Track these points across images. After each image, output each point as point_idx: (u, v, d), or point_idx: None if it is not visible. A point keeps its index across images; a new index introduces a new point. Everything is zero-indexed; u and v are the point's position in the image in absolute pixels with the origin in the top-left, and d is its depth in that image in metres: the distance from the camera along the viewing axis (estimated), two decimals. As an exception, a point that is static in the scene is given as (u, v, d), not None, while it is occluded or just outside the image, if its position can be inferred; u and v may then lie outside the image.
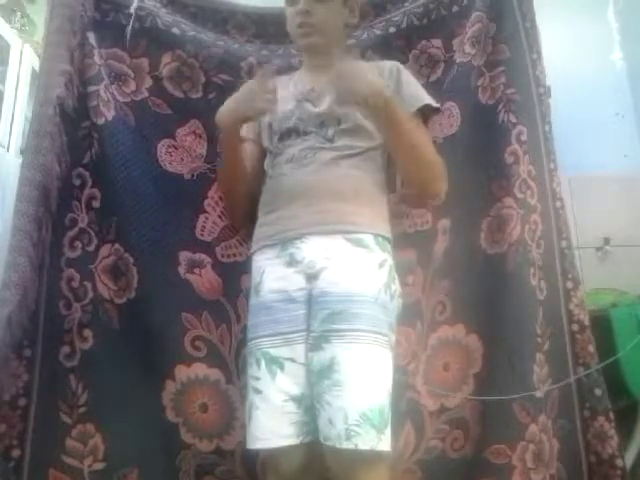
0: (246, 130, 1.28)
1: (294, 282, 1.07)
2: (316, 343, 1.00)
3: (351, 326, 0.97)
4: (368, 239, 1.06)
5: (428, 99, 1.20)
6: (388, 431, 0.96)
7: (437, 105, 1.21)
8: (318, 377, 0.98)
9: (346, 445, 0.92)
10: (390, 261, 1.09)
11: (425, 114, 1.22)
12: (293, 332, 1.06)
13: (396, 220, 1.38)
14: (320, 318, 1.00)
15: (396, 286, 1.07)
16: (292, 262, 1.07)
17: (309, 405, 1.03)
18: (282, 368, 1.05)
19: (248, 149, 1.29)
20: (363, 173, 1.14)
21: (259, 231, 1.19)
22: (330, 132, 1.16)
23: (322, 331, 0.99)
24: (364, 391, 0.95)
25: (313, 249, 1.06)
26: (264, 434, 1.03)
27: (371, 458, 0.93)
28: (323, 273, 1.03)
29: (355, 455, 0.92)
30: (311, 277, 1.05)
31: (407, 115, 1.09)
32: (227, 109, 1.16)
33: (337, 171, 1.12)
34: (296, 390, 1.04)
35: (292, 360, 1.05)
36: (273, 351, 1.06)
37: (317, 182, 1.11)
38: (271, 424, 1.03)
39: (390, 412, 0.98)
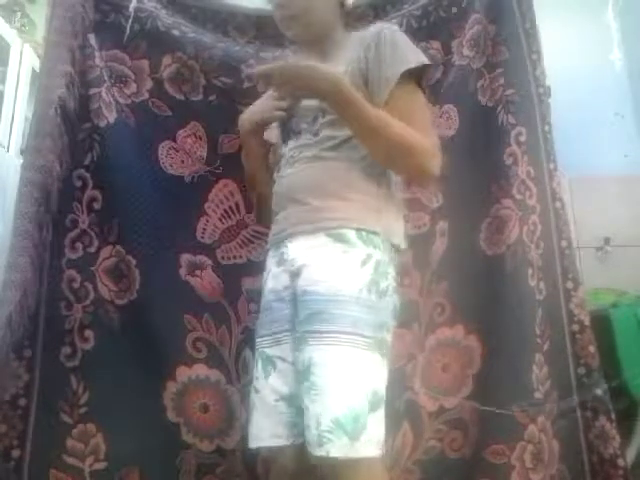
0: (275, 137, 1.28)
1: (282, 281, 1.07)
2: (297, 344, 0.99)
3: (328, 327, 0.94)
4: (350, 234, 1.00)
5: (410, 62, 1.04)
6: (366, 437, 0.91)
7: (422, 62, 1.05)
8: (300, 379, 0.97)
9: (319, 452, 0.90)
10: (378, 256, 1.01)
11: (419, 73, 1.08)
12: (281, 331, 1.06)
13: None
14: (301, 318, 0.99)
15: (388, 282, 1.00)
16: (281, 261, 1.08)
17: (300, 406, 1.01)
18: (275, 367, 1.05)
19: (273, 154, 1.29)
20: (347, 163, 1.07)
21: (270, 233, 1.19)
22: (316, 126, 1.12)
23: (302, 332, 0.98)
24: (338, 396, 0.92)
25: (297, 248, 1.05)
26: (259, 433, 1.04)
27: (347, 465, 0.90)
28: (304, 271, 1.01)
29: (330, 462, 0.90)
30: (294, 275, 1.03)
31: (365, 104, 1.00)
32: (245, 115, 1.21)
33: (319, 165, 1.08)
34: (286, 390, 1.03)
35: (282, 359, 1.05)
36: (268, 351, 1.07)
37: (301, 180, 1.09)
38: (265, 423, 1.03)
39: (367, 416, 0.92)
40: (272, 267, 1.11)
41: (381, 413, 0.95)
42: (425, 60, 1.06)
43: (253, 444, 1.05)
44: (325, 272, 0.99)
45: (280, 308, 1.07)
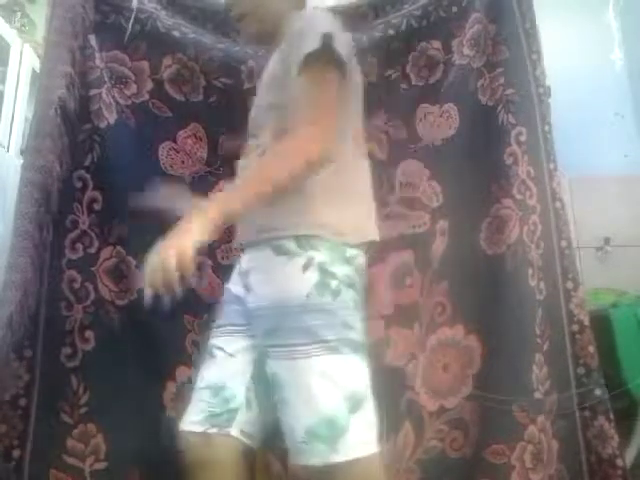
0: None
1: (238, 288, 1.06)
2: (262, 358, 0.99)
3: (284, 341, 0.93)
4: (288, 244, 0.96)
5: (308, 46, 0.94)
6: (349, 439, 0.89)
7: (317, 47, 0.93)
8: (272, 390, 0.97)
9: (299, 462, 0.90)
10: (321, 258, 0.95)
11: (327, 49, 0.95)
12: (227, 325, 1.07)
13: (393, 222, 1.39)
14: (259, 334, 0.99)
15: (339, 281, 0.94)
16: (240, 270, 1.07)
17: (228, 397, 1.01)
18: (212, 356, 1.06)
19: None
20: None
21: None
22: (255, 131, 1.07)
23: (263, 346, 0.98)
24: (306, 406, 0.91)
25: (248, 260, 1.04)
26: (184, 417, 1.03)
27: (331, 471, 0.89)
28: (253, 287, 1.00)
29: (311, 471, 0.90)
30: (246, 289, 1.02)
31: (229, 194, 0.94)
32: None
33: None
34: (215, 380, 1.03)
35: (222, 349, 1.05)
36: (213, 340, 1.08)
37: None
38: (190, 408, 1.03)
39: (348, 418, 0.90)
40: (235, 272, 1.10)
41: (367, 411, 0.93)
42: (326, 33, 0.93)
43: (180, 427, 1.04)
44: (270, 286, 0.97)
45: (230, 304, 1.08)
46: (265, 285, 0.98)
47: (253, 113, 1.12)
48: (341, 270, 0.96)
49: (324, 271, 0.95)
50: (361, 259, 1.02)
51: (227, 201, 0.92)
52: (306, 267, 0.94)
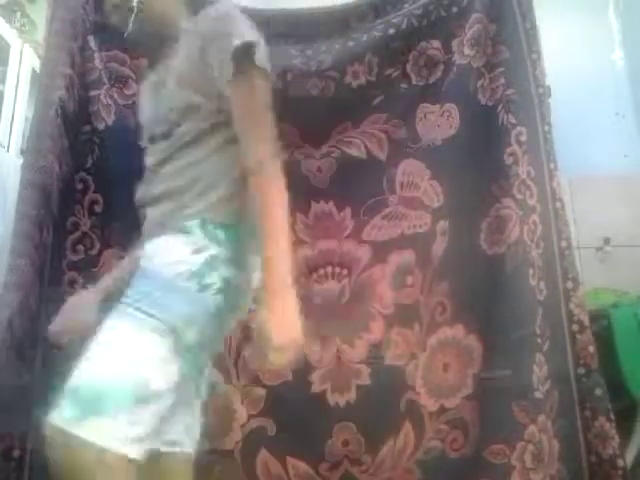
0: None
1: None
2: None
3: (131, 296, 0.87)
4: (193, 226, 0.93)
5: (235, 42, 0.90)
6: (105, 423, 0.76)
7: (240, 41, 0.89)
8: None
9: (49, 414, 0.77)
10: (215, 251, 0.91)
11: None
12: None
13: (394, 221, 1.39)
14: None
15: (215, 280, 0.90)
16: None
17: None
18: None
19: None
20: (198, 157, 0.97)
21: None
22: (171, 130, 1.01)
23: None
24: (94, 364, 0.80)
25: (150, 244, 0.96)
26: None
27: (67, 441, 0.76)
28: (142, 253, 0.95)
29: (52, 430, 0.76)
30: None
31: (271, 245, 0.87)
32: None
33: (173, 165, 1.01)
34: None
35: None
36: None
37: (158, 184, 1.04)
38: None
39: (120, 402, 0.78)
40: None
41: (149, 412, 0.81)
42: (248, 37, 0.90)
43: None
44: (155, 253, 0.92)
45: None
46: (151, 252, 0.93)
47: (155, 113, 1.04)
48: (225, 273, 0.91)
49: (208, 264, 0.90)
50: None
51: (278, 264, 0.86)
52: (197, 251, 0.90)
